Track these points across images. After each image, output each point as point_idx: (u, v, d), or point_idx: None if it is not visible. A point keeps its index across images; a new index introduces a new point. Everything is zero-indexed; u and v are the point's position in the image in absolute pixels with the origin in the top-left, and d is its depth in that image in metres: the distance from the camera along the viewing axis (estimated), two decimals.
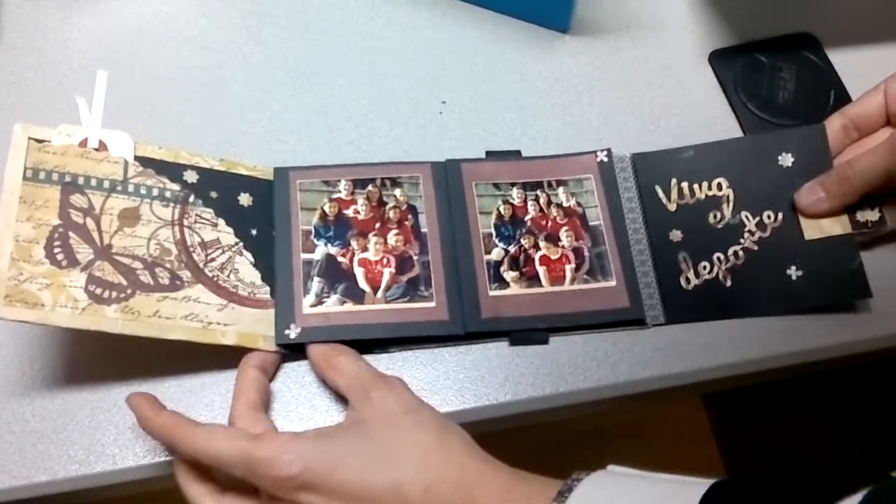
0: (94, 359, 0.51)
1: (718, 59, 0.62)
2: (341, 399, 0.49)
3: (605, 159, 0.57)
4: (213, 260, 0.50)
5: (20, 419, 0.49)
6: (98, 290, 0.46)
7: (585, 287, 0.53)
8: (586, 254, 0.54)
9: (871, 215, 0.53)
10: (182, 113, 0.60)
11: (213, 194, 0.52)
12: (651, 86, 0.62)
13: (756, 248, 0.54)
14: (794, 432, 0.90)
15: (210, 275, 0.49)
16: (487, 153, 0.58)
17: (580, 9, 0.63)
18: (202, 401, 0.50)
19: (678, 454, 1.23)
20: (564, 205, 0.55)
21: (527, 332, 0.52)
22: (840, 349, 0.53)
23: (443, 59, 0.63)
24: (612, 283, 0.53)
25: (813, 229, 0.53)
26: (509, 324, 0.51)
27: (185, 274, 0.49)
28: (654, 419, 1.27)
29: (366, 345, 0.51)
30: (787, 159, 0.55)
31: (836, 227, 0.53)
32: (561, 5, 0.62)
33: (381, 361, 0.51)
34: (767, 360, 0.52)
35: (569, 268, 0.53)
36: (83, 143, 0.49)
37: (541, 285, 0.53)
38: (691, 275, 0.54)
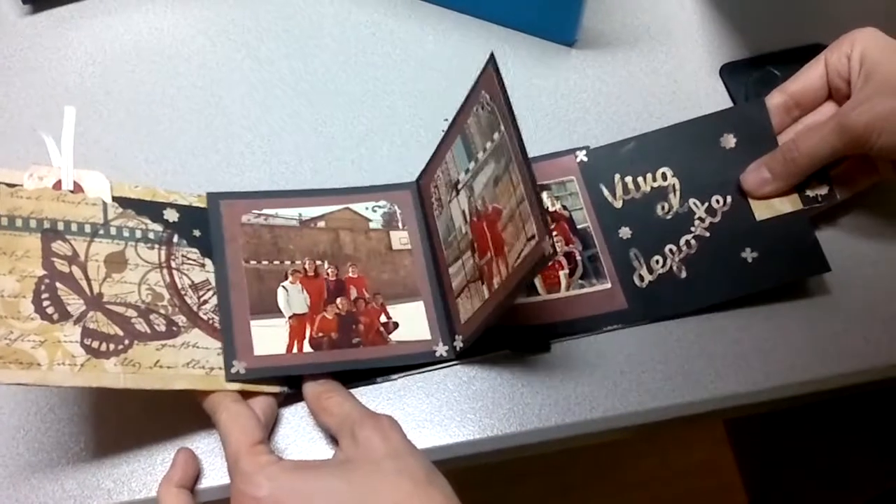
0: (88, 391, 0.50)
1: (730, 73, 0.61)
2: None
3: (586, 159, 0.56)
4: (206, 302, 0.48)
5: (14, 452, 0.48)
6: (95, 344, 0.44)
7: (581, 292, 0.52)
8: (578, 258, 0.53)
9: (821, 189, 0.52)
10: (179, 133, 0.59)
11: (196, 233, 0.50)
12: (660, 100, 0.60)
13: (708, 234, 0.53)
14: (810, 437, 0.89)
15: (205, 318, 0.48)
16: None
17: (587, 21, 0.61)
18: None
19: (693, 457, 1.22)
20: (550, 209, 0.54)
21: (529, 341, 0.51)
22: (861, 376, 0.51)
23: (446, 74, 0.62)
24: (608, 284, 0.52)
25: (764, 209, 0.53)
26: (511, 333, 0.50)
27: (181, 319, 0.47)
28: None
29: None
30: (729, 140, 0.54)
31: (787, 204, 0.52)
32: (567, 18, 0.61)
33: (383, 391, 0.50)
34: (782, 388, 0.50)
35: (563, 273, 0.52)
36: (57, 186, 0.47)
37: (538, 294, 0.52)
38: (644, 272, 0.53)
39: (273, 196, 0.53)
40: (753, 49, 0.62)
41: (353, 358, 0.49)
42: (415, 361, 0.50)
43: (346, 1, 0.65)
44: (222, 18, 0.64)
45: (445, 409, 0.49)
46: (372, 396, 0.50)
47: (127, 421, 0.49)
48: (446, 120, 0.59)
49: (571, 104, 0.60)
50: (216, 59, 0.62)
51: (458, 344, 0.50)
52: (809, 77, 0.53)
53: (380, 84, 0.61)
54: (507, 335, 0.50)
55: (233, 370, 0.47)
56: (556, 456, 1.23)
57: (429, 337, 0.50)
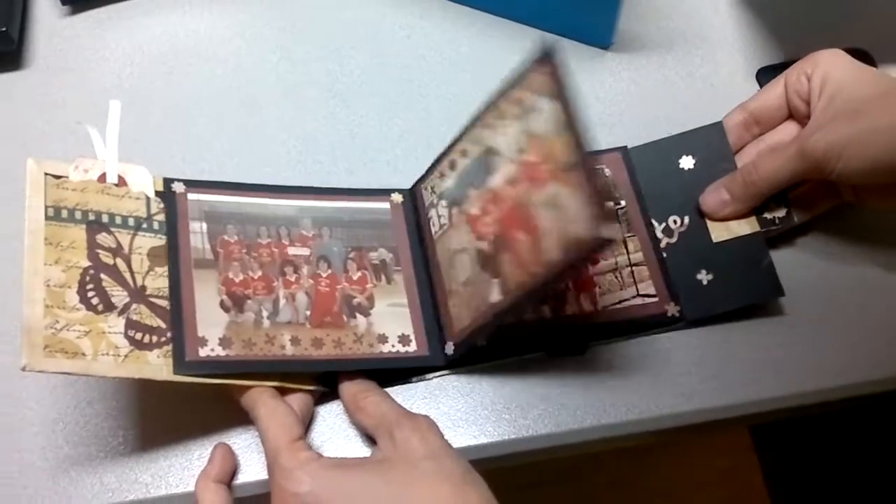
0: (127, 385, 0.50)
1: (767, 76, 0.60)
2: None
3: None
4: None
5: (53, 445, 0.48)
6: (138, 336, 0.44)
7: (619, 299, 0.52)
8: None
9: (779, 212, 0.52)
10: (215, 133, 0.59)
11: None
12: (697, 104, 0.60)
13: (665, 255, 0.52)
14: (837, 446, 0.88)
15: None
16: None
17: (623, 24, 0.61)
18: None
19: (718, 466, 1.21)
20: None
21: (564, 344, 0.50)
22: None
23: (481, 76, 0.61)
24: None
25: (720, 231, 0.52)
26: (546, 336, 0.50)
27: None
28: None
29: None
30: (687, 162, 0.54)
31: (744, 227, 0.52)
32: (603, 21, 0.61)
33: (418, 390, 0.50)
34: (818, 393, 0.50)
35: (597, 291, 0.52)
36: (102, 179, 0.47)
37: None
38: None
39: (239, 189, 0.52)
40: (790, 53, 0.62)
41: (333, 357, 0.48)
42: (412, 364, 0.49)
43: (380, 4, 0.65)
44: (258, 21, 0.65)
45: (480, 409, 0.49)
46: (407, 396, 0.50)
47: (165, 416, 0.49)
48: None
49: (607, 107, 0.60)
50: (252, 60, 0.63)
51: (450, 349, 0.49)
52: (768, 96, 0.54)
53: (414, 86, 0.61)
54: (542, 338, 0.50)
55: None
56: (579, 463, 1.22)
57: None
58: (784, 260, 0.52)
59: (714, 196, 0.52)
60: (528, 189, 0.45)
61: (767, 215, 0.52)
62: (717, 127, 0.54)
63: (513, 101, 0.48)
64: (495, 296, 0.46)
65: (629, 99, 0.60)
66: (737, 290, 0.51)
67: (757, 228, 0.52)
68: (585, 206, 0.41)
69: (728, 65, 0.62)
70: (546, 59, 0.46)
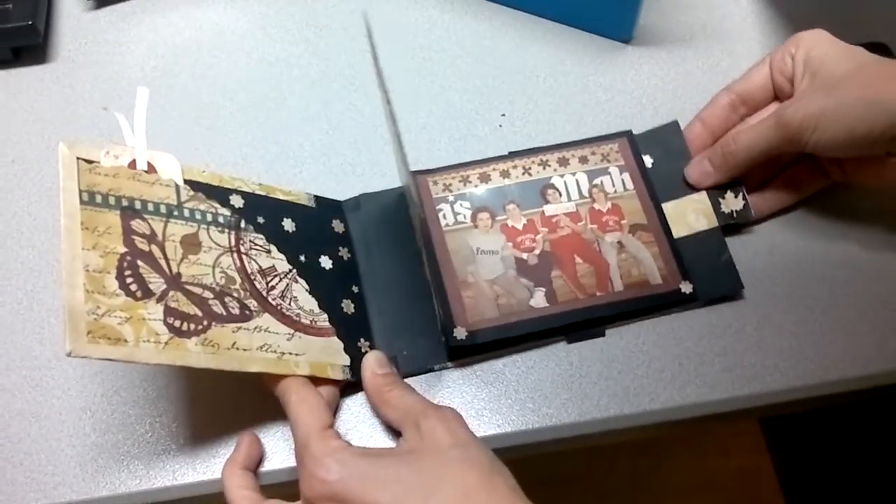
0: (153, 374, 0.51)
1: None
2: None
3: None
4: (273, 288, 0.48)
5: (80, 433, 0.49)
6: (177, 323, 0.44)
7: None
8: None
9: (736, 204, 0.53)
10: (239, 126, 0.60)
11: (260, 219, 0.50)
12: None
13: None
14: (851, 445, 0.87)
15: (274, 303, 0.48)
16: (510, 153, 0.57)
17: (643, 18, 0.62)
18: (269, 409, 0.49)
19: (731, 466, 1.21)
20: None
21: (583, 328, 0.51)
22: None
23: (502, 70, 0.62)
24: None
25: (680, 226, 0.53)
26: (565, 318, 0.51)
27: (252, 303, 0.47)
28: (707, 430, 1.24)
29: None
30: (647, 160, 0.55)
31: (703, 221, 0.53)
32: (623, 15, 0.61)
33: (441, 379, 0.50)
34: (841, 382, 0.50)
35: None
36: (132, 165, 0.47)
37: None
38: None
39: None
40: None
41: None
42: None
43: None
44: (281, 14, 0.65)
45: (503, 398, 0.50)
46: (430, 386, 0.50)
47: (191, 404, 0.50)
48: (503, 115, 0.60)
49: (627, 100, 0.60)
50: (275, 53, 0.63)
51: (461, 334, 0.49)
52: (753, 77, 0.54)
53: (437, 79, 0.62)
54: (562, 319, 0.51)
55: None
56: (593, 462, 1.22)
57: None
58: (810, 245, 0.53)
59: (697, 168, 0.54)
60: (593, 228, 0.53)
61: (725, 209, 0.53)
62: (674, 126, 0.55)
63: (578, 157, 0.55)
64: (540, 302, 0.51)
65: (650, 92, 0.61)
66: (698, 285, 0.52)
67: (715, 223, 0.53)
68: (663, 262, 0.52)
69: (748, 58, 0.62)
70: (620, 137, 0.56)
